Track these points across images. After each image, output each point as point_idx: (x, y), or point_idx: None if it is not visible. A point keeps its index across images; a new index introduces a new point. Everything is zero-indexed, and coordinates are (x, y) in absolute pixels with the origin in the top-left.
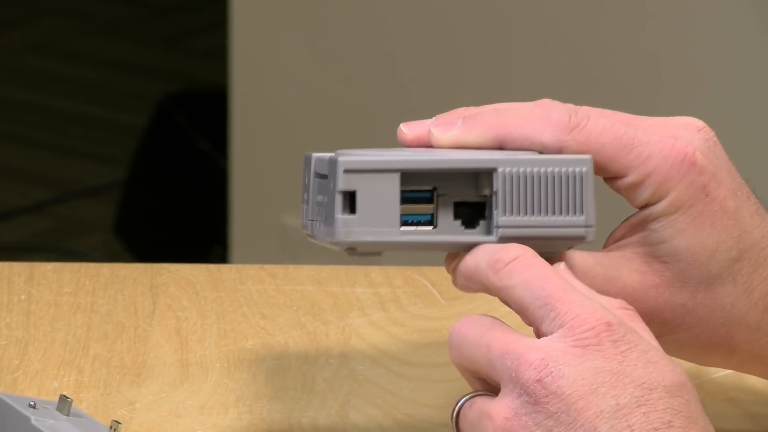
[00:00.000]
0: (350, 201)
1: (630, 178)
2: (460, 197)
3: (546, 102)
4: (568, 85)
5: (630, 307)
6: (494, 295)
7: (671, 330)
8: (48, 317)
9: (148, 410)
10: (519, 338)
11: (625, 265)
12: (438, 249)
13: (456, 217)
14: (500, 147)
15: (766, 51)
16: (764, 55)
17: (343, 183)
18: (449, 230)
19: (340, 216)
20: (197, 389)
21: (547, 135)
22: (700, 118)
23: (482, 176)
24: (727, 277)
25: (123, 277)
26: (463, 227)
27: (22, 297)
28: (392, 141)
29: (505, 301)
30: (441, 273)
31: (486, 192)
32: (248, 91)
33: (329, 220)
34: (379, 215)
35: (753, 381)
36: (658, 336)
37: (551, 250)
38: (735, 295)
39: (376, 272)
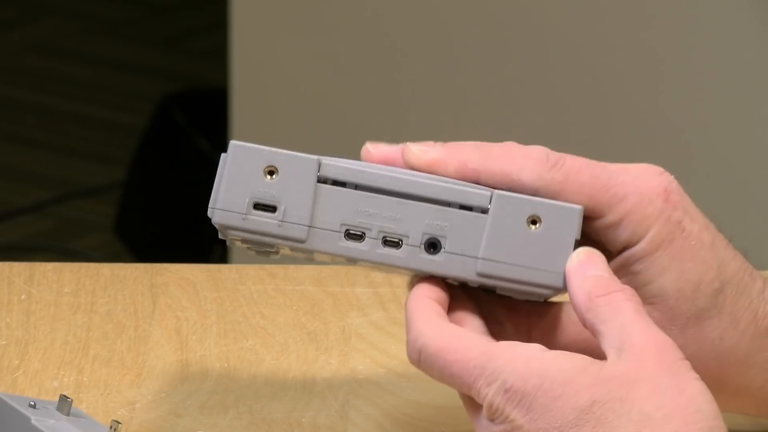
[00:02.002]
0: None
1: (608, 218)
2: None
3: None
4: (568, 86)
5: (630, 292)
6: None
7: None
8: (48, 317)
9: (148, 410)
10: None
11: None
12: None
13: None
14: (476, 180)
15: (766, 51)
16: (764, 55)
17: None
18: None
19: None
20: (197, 389)
21: (527, 171)
22: (699, 119)
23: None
24: (713, 310)
25: (123, 277)
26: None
27: (23, 297)
28: (391, 141)
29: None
30: None
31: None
32: (248, 91)
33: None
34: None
35: None
36: None
37: (529, 294)
38: (722, 327)
39: (376, 272)
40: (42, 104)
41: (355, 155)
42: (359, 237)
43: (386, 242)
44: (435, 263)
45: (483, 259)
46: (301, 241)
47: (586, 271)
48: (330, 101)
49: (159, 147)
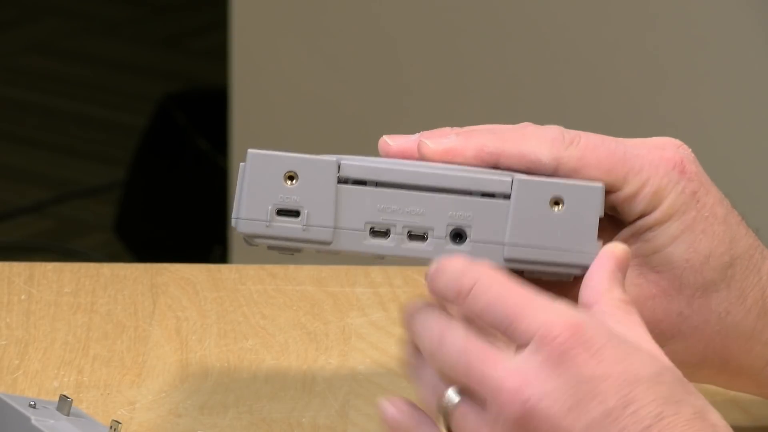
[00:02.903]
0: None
1: (626, 191)
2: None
3: (532, 124)
4: (568, 86)
5: (629, 302)
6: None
7: (668, 340)
8: (48, 317)
9: (148, 410)
10: (495, 358)
11: None
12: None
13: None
14: (494, 164)
15: (766, 51)
16: (764, 55)
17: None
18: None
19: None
20: (197, 389)
21: (543, 151)
22: (700, 118)
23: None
24: (721, 283)
25: (123, 277)
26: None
27: (23, 297)
28: None
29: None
30: None
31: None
32: (248, 91)
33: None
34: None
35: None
36: None
37: (558, 275)
38: (729, 301)
39: (376, 272)
40: (42, 104)
41: (356, 154)
42: (384, 234)
43: (412, 236)
44: (462, 253)
45: (509, 244)
46: (327, 243)
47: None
48: (330, 101)
49: (159, 147)
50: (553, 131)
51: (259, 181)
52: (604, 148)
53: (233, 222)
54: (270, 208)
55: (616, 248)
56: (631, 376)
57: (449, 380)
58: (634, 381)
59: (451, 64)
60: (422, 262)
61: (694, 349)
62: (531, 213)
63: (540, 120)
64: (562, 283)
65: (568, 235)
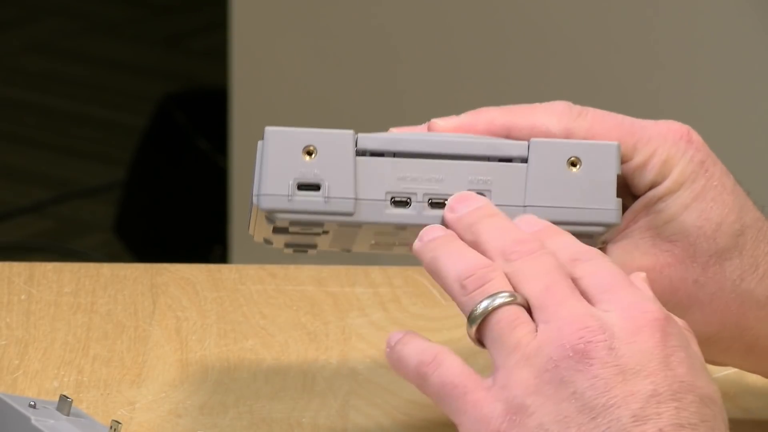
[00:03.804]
0: None
1: (636, 160)
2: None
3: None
4: (568, 87)
5: (690, 329)
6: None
7: (686, 310)
8: (48, 317)
9: (148, 410)
10: (579, 297)
11: (634, 250)
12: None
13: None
14: (505, 135)
15: (766, 51)
16: (764, 55)
17: None
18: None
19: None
20: (197, 389)
21: (553, 122)
22: (699, 117)
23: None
24: (734, 251)
25: (123, 277)
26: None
27: (22, 297)
28: None
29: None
30: None
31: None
32: (248, 91)
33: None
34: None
35: (753, 380)
36: None
37: (579, 233)
38: (742, 268)
39: (376, 272)
40: (42, 104)
41: None
42: (405, 203)
43: (432, 204)
44: None
45: (530, 206)
46: (349, 214)
47: None
48: (330, 101)
49: (159, 147)
50: (561, 104)
51: (279, 156)
52: (612, 119)
53: (255, 199)
54: (291, 182)
55: (640, 274)
56: (689, 384)
57: (499, 281)
58: (689, 389)
59: (452, 64)
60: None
61: (712, 318)
62: (549, 174)
63: None
64: None
65: (587, 194)
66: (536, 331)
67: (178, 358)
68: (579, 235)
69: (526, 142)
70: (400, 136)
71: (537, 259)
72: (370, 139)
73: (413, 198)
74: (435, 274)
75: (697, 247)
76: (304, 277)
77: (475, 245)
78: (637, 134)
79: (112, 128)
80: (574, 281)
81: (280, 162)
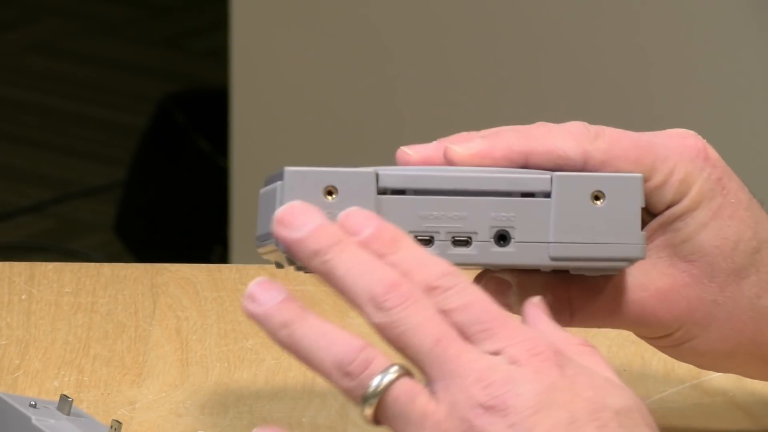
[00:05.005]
0: None
1: (655, 180)
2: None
3: (552, 124)
4: (568, 88)
5: (589, 344)
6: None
7: (703, 329)
8: (48, 317)
9: (148, 410)
10: (469, 347)
11: (651, 270)
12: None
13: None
14: (524, 163)
15: (766, 51)
16: (764, 55)
17: None
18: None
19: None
20: (197, 389)
21: (571, 145)
22: (699, 119)
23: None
24: (751, 268)
25: (123, 277)
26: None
27: (23, 297)
28: (391, 141)
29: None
30: None
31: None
32: (248, 91)
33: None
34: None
35: (753, 380)
36: (691, 338)
37: (604, 269)
38: (759, 285)
39: None
40: (42, 104)
41: (356, 154)
42: (428, 241)
43: (456, 242)
44: (507, 255)
45: (555, 243)
46: None
47: None
48: (330, 101)
49: (159, 147)
50: (576, 126)
51: (299, 198)
52: (628, 138)
53: (275, 243)
54: None
55: (534, 300)
56: (601, 402)
57: (381, 358)
58: (603, 407)
59: (452, 65)
60: (469, 267)
61: (728, 336)
62: (573, 209)
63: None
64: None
65: (611, 228)
66: (434, 393)
67: (178, 358)
68: (603, 270)
69: (548, 176)
70: (421, 172)
71: (414, 307)
72: (392, 177)
73: (436, 236)
74: (300, 358)
75: (714, 267)
76: (304, 277)
77: (329, 283)
78: (655, 152)
79: (112, 128)
80: (445, 315)
81: None
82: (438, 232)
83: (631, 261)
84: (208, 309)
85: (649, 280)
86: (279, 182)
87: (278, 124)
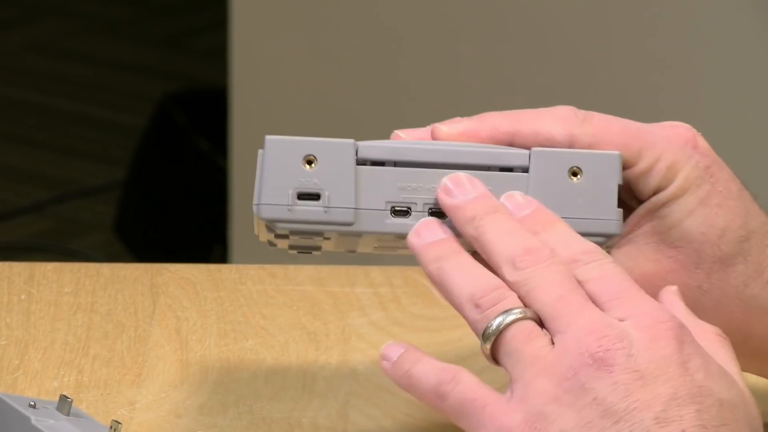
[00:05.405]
0: None
1: (641, 166)
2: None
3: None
4: (568, 88)
5: (724, 335)
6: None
7: None
8: (48, 317)
9: (148, 410)
10: (597, 310)
11: (637, 255)
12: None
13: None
14: (509, 144)
15: (766, 51)
16: (764, 55)
17: None
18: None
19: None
20: (197, 389)
21: (557, 128)
22: (699, 118)
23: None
24: (738, 257)
25: (123, 277)
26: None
27: (23, 297)
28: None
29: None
30: None
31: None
32: (248, 91)
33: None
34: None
35: (753, 380)
36: None
37: None
38: (747, 274)
39: (376, 272)
40: (42, 104)
41: None
42: (405, 212)
43: (432, 213)
44: None
45: None
46: (349, 224)
47: None
48: (330, 101)
49: (159, 147)
50: (565, 110)
51: (279, 166)
52: (617, 124)
53: (255, 209)
54: (291, 192)
55: (671, 288)
56: (708, 388)
57: (512, 299)
58: (709, 394)
59: (452, 64)
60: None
61: (716, 323)
62: (550, 185)
63: None
64: None
65: (588, 204)
66: (552, 342)
67: (178, 358)
68: None
69: (527, 152)
70: (400, 144)
71: (547, 268)
72: (371, 148)
73: (413, 207)
74: (442, 288)
75: (701, 254)
76: (303, 277)
77: (477, 245)
78: (643, 139)
79: (112, 128)
80: (580, 284)
81: (279, 171)
82: (415, 203)
83: (608, 237)
84: (208, 309)
85: (635, 265)
86: (260, 150)
87: (278, 124)
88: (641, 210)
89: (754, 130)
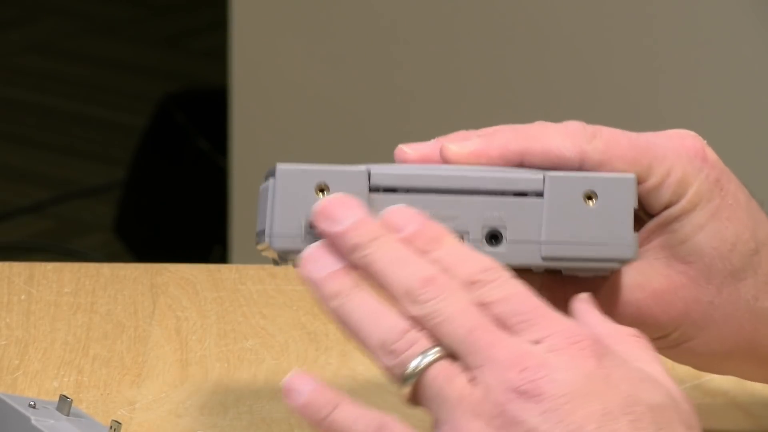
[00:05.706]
0: None
1: (652, 181)
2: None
3: (550, 123)
4: (570, 90)
5: (640, 334)
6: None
7: (700, 330)
8: (48, 317)
9: (148, 410)
10: (505, 335)
11: (648, 270)
12: None
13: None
14: (520, 162)
15: (766, 51)
16: (764, 55)
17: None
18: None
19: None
20: (197, 389)
21: (567, 145)
22: (700, 119)
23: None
24: (749, 270)
25: (123, 277)
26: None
27: (22, 297)
28: (391, 140)
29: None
30: None
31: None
32: (248, 91)
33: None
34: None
35: (759, 388)
36: (688, 340)
37: (596, 270)
38: (757, 287)
39: None
40: (42, 104)
41: (356, 154)
42: None
43: None
44: (499, 255)
45: (546, 243)
46: None
47: None
48: (330, 101)
49: (159, 147)
50: (574, 125)
51: (291, 195)
52: (626, 138)
53: (267, 240)
54: (303, 222)
55: (582, 295)
56: (636, 396)
57: (425, 340)
58: (638, 402)
59: (452, 64)
60: None
61: (726, 337)
62: (565, 209)
63: (541, 120)
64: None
65: (603, 228)
66: (473, 378)
67: (178, 358)
68: (595, 271)
69: (541, 176)
70: (413, 171)
71: (449, 298)
72: (384, 176)
73: None
74: (347, 330)
75: (712, 268)
76: None
77: (368, 276)
78: (652, 152)
79: (112, 128)
80: (485, 306)
81: (292, 201)
82: None
83: (623, 262)
84: (208, 309)
85: (646, 280)
86: (272, 179)
87: (278, 124)
88: (651, 224)
89: (754, 131)
